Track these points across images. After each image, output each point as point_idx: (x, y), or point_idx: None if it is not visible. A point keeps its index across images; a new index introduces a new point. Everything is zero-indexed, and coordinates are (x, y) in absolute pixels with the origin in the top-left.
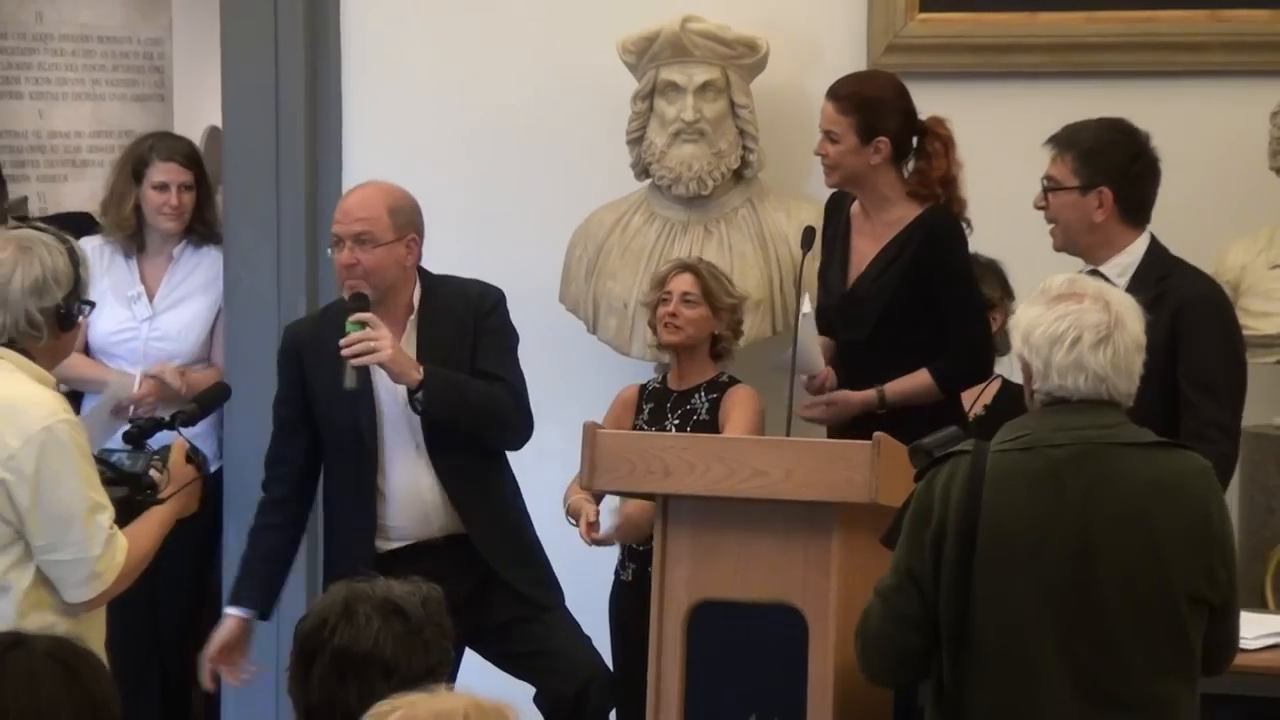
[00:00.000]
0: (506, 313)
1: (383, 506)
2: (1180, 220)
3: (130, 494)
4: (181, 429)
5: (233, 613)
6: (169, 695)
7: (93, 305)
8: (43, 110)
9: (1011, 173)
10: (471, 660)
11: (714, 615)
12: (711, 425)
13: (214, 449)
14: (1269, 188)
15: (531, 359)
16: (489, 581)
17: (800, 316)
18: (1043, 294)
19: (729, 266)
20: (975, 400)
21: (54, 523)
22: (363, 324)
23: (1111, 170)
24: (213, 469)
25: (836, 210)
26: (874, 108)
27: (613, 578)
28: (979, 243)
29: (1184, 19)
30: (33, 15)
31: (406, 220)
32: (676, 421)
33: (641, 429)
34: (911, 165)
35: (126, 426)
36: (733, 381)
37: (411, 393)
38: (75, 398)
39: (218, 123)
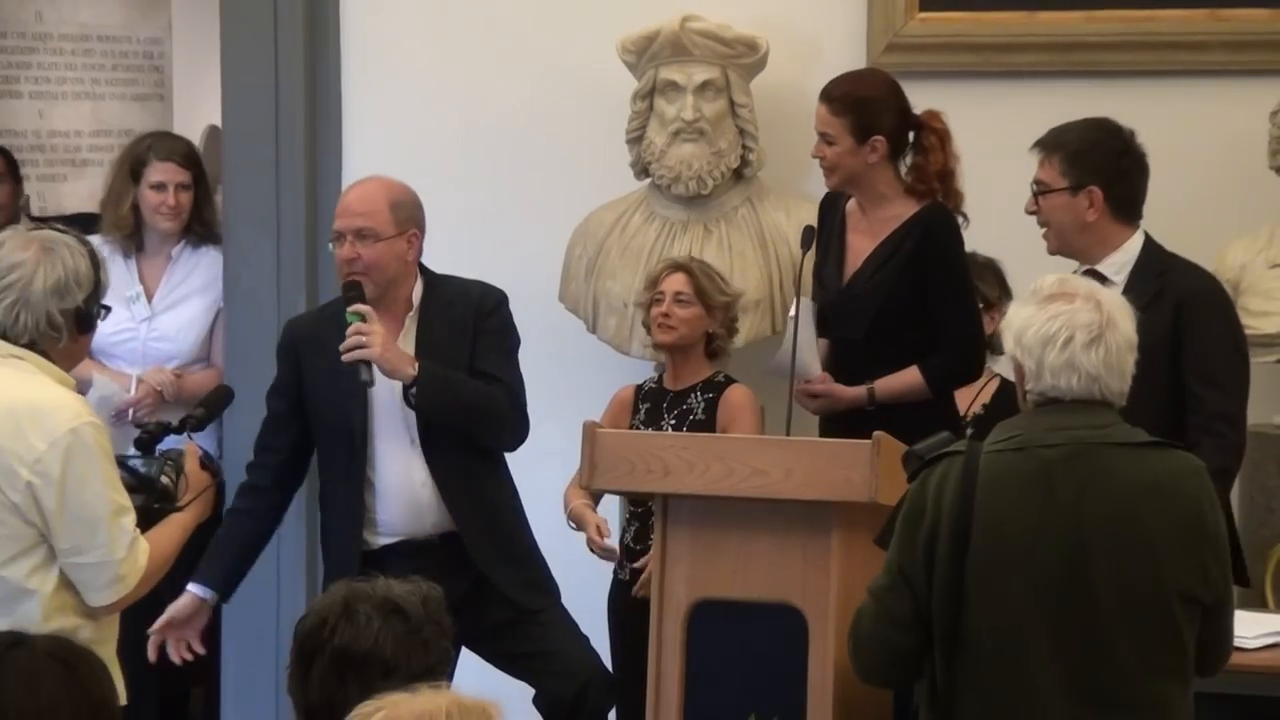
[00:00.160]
0: (509, 315)
1: (373, 499)
2: (1180, 220)
3: (148, 500)
4: (192, 434)
5: (192, 590)
6: (169, 695)
7: (109, 309)
8: (42, 110)
9: (1011, 172)
10: (471, 660)
11: (714, 615)
12: (708, 425)
13: (213, 448)
14: (1269, 187)
15: (531, 358)
16: (485, 581)
17: (789, 318)
18: (1034, 294)
19: (728, 266)
20: (974, 399)
21: (80, 526)
22: (361, 315)
23: (1100, 169)
24: None
25: (832, 207)
26: (868, 107)
27: (611, 577)
28: (978, 242)
29: (1184, 18)
30: (32, 15)
31: (408, 215)
32: (673, 422)
33: (638, 429)
34: (909, 160)
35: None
36: (729, 381)
37: (406, 388)
38: None
39: (217, 122)
